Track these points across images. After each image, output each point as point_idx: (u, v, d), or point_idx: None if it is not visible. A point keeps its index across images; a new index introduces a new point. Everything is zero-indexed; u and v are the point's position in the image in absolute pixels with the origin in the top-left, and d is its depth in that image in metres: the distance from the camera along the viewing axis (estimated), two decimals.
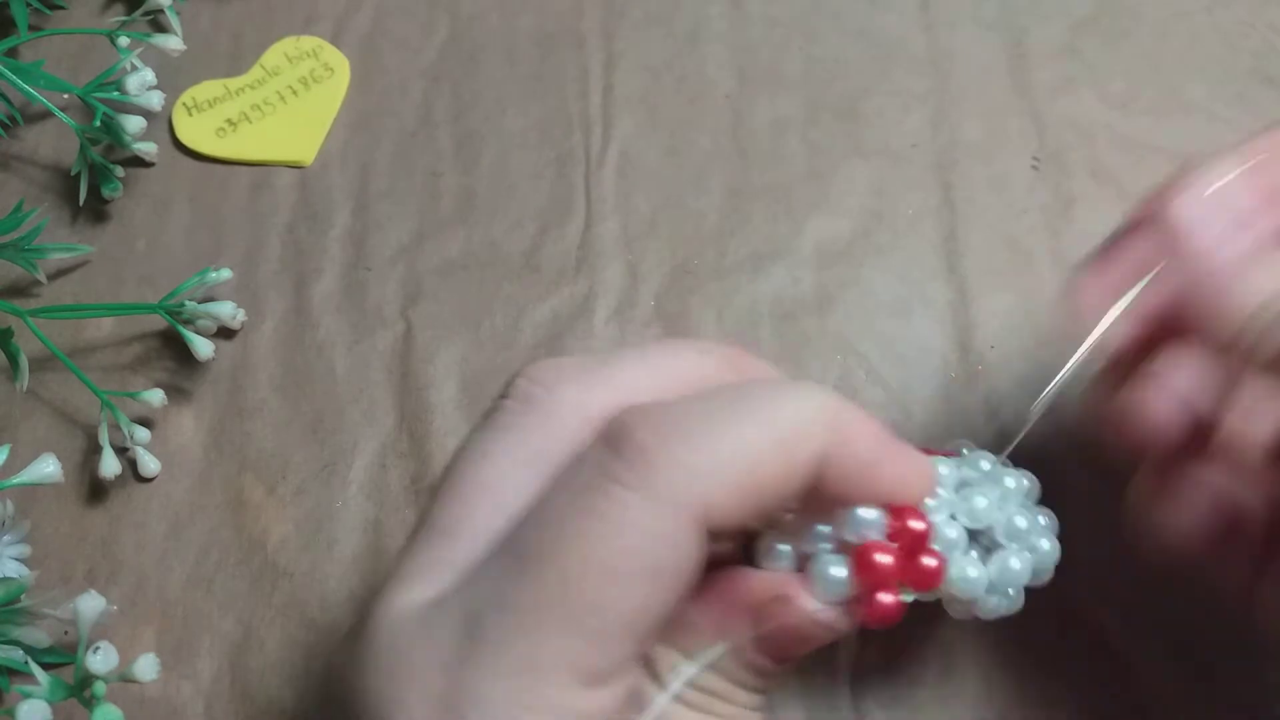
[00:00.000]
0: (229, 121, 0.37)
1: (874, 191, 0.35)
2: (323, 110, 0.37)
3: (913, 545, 0.20)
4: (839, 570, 0.20)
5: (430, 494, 0.21)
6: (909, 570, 0.20)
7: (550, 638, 0.17)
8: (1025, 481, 0.23)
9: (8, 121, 0.36)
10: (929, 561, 0.21)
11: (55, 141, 0.37)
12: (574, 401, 0.20)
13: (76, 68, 0.37)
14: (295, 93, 0.37)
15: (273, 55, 0.38)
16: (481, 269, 0.34)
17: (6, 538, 0.29)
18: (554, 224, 0.35)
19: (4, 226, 0.33)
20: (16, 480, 0.28)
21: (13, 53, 0.37)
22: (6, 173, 0.36)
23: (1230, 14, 0.38)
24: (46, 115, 0.36)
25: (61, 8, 0.39)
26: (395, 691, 0.18)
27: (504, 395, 0.20)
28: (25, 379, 0.31)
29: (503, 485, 0.19)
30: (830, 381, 0.32)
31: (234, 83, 0.37)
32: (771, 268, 0.34)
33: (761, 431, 0.18)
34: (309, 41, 0.38)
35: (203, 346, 0.32)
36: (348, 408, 0.32)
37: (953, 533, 0.21)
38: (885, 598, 0.20)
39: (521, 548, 0.18)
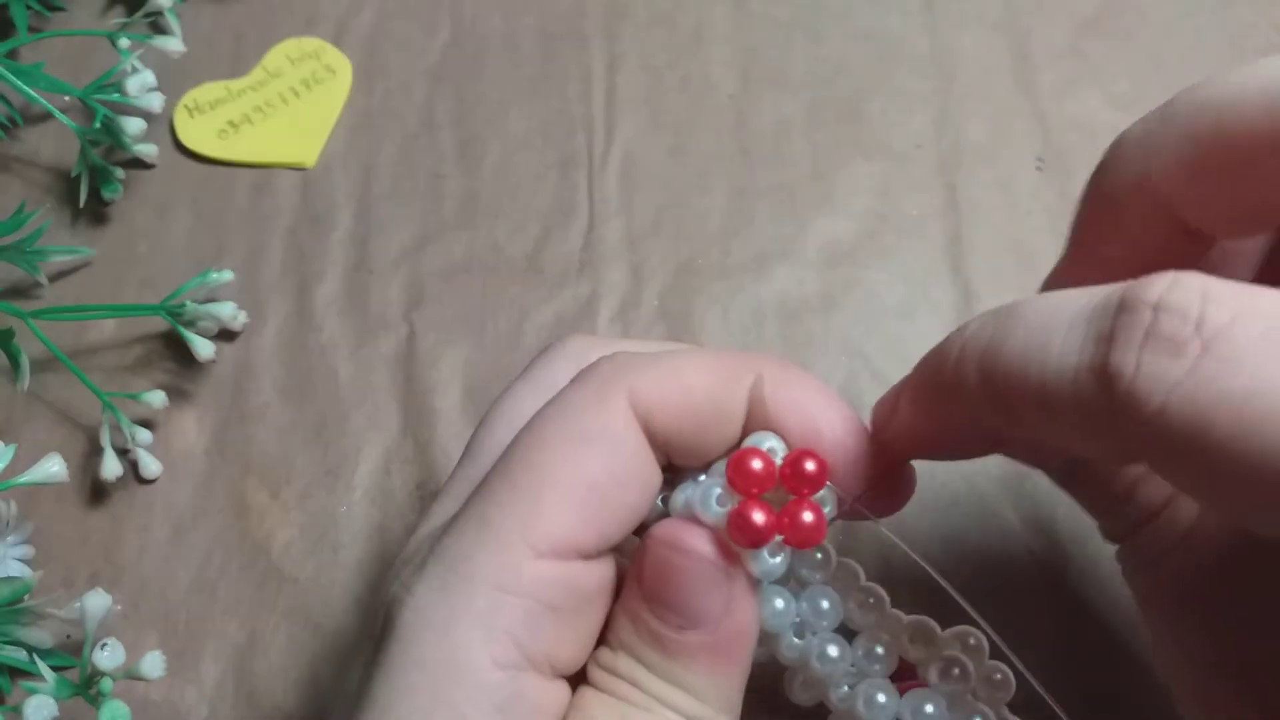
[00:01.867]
0: (230, 123, 0.37)
1: (878, 192, 0.35)
2: (325, 112, 0.37)
3: (797, 483, 0.19)
4: (692, 490, 0.20)
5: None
6: (785, 517, 0.19)
7: (500, 496, 0.20)
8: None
9: (8, 123, 0.36)
10: (806, 515, 0.19)
11: (56, 143, 0.37)
12: (580, 345, 0.23)
13: (77, 70, 0.37)
14: (297, 94, 0.37)
15: (274, 57, 0.38)
16: (485, 271, 0.34)
17: (11, 538, 0.29)
18: (557, 225, 0.34)
19: (5, 228, 0.33)
20: (23, 479, 0.28)
21: (13, 54, 0.36)
22: (7, 175, 0.36)
23: (1234, 14, 0.38)
24: (47, 117, 0.35)
25: (62, 9, 0.39)
26: (398, 572, 0.20)
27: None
28: (26, 380, 0.31)
29: (516, 412, 0.22)
30: (835, 383, 0.31)
31: (235, 84, 0.37)
32: (776, 268, 0.33)
33: (698, 355, 0.21)
34: (311, 43, 0.38)
35: (203, 347, 0.32)
36: (351, 412, 0.32)
37: (780, 602, 0.20)
38: (757, 515, 0.19)
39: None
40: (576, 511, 0.19)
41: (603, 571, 0.20)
